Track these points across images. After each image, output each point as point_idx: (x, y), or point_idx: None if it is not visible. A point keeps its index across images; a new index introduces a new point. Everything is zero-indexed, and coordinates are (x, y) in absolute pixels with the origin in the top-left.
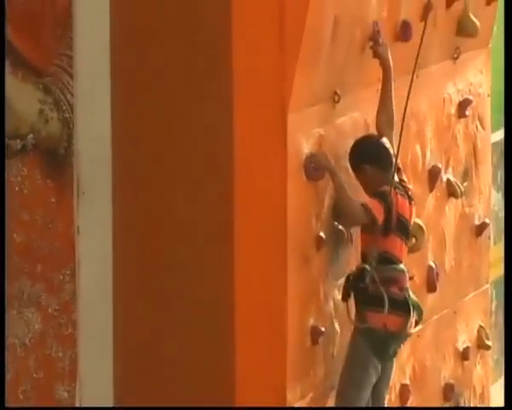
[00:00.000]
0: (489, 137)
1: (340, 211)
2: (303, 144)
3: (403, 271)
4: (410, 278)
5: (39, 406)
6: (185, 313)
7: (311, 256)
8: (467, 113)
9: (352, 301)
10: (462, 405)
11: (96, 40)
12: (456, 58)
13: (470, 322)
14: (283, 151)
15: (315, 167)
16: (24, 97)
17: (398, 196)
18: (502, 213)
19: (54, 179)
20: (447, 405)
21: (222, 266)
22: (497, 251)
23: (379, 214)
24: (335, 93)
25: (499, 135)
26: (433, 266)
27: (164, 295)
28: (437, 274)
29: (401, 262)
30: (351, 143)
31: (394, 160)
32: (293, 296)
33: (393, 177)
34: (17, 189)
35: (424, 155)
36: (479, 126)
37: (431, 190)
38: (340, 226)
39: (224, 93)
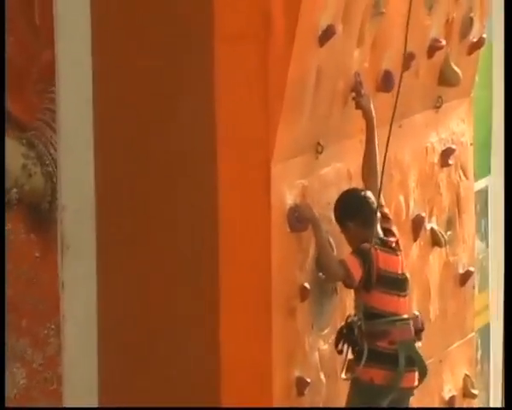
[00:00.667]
0: (472, 186)
1: (320, 266)
2: (286, 195)
3: (394, 324)
4: (419, 331)
5: None
6: (171, 378)
7: (295, 307)
8: (450, 162)
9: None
10: None
11: (78, 95)
12: (439, 107)
13: (456, 371)
14: (267, 202)
15: (298, 219)
16: (7, 152)
17: (379, 251)
18: (486, 262)
19: (38, 234)
20: None
21: (207, 319)
22: (481, 299)
23: (356, 272)
24: (318, 144)
25: (482, 183)
26: (418, 315)
27: (150, 350)
28: (422, 323)
29: (395, 315)
30: (334, 193)
31: (376, 211)
32: (278, 347)
33: (374, 233)
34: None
35: (408, 205)
36: (462, 175)
37: (415, 240)
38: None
39: (208, 144)
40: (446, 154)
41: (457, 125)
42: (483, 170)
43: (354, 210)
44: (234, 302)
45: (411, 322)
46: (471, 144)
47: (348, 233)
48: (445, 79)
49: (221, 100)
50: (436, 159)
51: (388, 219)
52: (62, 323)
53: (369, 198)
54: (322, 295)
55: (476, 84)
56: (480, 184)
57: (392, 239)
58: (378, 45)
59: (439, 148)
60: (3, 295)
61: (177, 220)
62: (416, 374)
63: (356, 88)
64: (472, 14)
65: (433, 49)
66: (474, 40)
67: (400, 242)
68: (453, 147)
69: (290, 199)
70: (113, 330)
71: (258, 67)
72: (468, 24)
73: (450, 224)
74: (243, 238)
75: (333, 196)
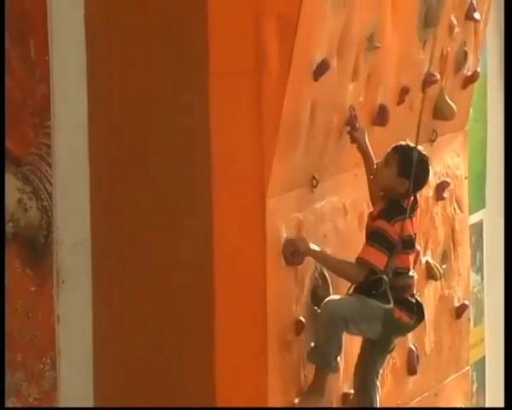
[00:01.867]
0: (467, 219)
1: (340, 276)
2: (282, 229)
3: (412, 277)
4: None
5: None
6: (168, 399)
7: (291, 341)
8: (444, 195)
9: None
10: None
11: (74, 129)
12: (433, 141)
13: (451, 404)
14: (262, 236)
15: (293, 253)
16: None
17: (397, 225)
18: (481, 295)
19: (33, 268)
20: None
21: (202, 354)
22: (477, 333)
23: (379, 261)
24: (314, 178)
25: (477, 217)
26: (414, 348)
27: (147, 385)
28: (417, 357)
29: (409, 271)
30: (330, 226)
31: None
32: (274, 381)
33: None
34: None
35: None
36: (456, 209)
37: None
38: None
39: (203, 178)
40: (441, 187)
41: (452, 159)
42: (478, 203)
43: (422, 177)
44: (229, 336)
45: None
46: (466, 178)
47: (389, 185)
48: (440, 112)
49: (216, 135)
50: (431, 192)
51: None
52: (58, 357)
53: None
54: None
55: (470, 117)
56: (475, 218)
57: (406, 202)
58: (373, 79)
59: (434, 181)
60: (3, 294)
61: (173, 255)
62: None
63: (351, 122)
64: (466, 48)
65: (426, 83)
66: (469, 74)
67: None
68: (448, 180)
69: (285, 232)
70: (109, 365)
71: (253, 103)
72: (462, 57)
73: (445, 257)
74: (238, 271)
75: (328, 229)
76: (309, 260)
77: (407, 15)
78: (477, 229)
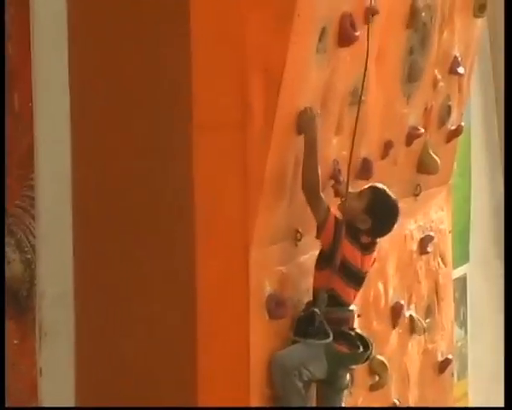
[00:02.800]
0: (451, 274)
1: (306, 180)
2: (265, 282)
3: (351, 311)
4: (358, 316)
5: None
6: None
7: (272, 393)
8: (428, 249)
9: None
10: None
11: (57, 182)
12: (417, 195)
13: None
14: (246, 289)
15: (277, 305)
16: None
17: (348, 243)
18: (465, 349)
19: (16, 321)
20: None
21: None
22: (461, 387)
23: (328, 233)
24: (298, 231)
25: (461, 271)
26: (397, 403)
27: None
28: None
29: (350, 305)
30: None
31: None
32: None
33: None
34: None
35: (387, 292)
36: (440, 263)
37: (394, 327)
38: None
39: (187, 230)
40: (425, 241)
41: (436, 213)
42: (462, 257)
43: (385, 219)
44: (212, 389)
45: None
46: (450, 232)
47: (353, 216)
48: (424, 166)
49: (200, 187)
50: (415, 246)
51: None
52: None
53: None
54: None
55: (454, 171)
56: (459, 272)
57: (365, 237)
58: (357, 133)
59: (418, 235)
60: (3, 289)
61: (156, 309)
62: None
63: (335, 175)
64: (450, 102)
65: (410, 137)
66: (453, 128)
67: (377, 247)
68: (432, 234)
69: (269, 286)
70: None
71: (238, 155)
72: (446, 112)
73: (429, 311)
74: (221, 325)
75: (311, 282)
76: (293, 313)
77: (391, 70)
78: (461, 283)
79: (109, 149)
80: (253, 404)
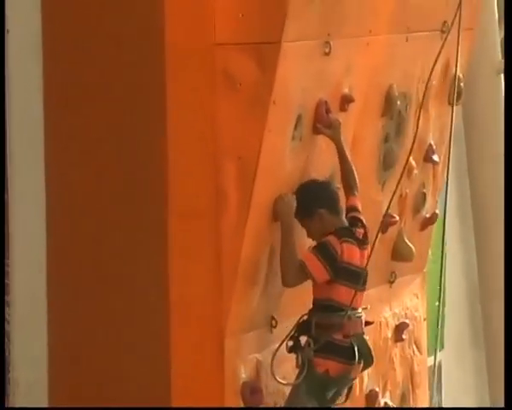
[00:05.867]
0: (425, 361)
1: (281, 265)
2: (240, 370)
3: (349, 317)
4: (368, 323)
5: None
6: None
7: None
8: (403, 336)
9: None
10: None
11: (31, 268)
12: (392, 282)
13: None
14: (221, 377)
15: (252, 392)
16: None
17: (344, 244)
18: None
19: None
20: None
21: None
22: None
23: (318, 273)
24: (273, 318)
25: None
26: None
27: None
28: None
29: (348, 309)
30: (289, 367)
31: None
32: None
33: (340, 221)
34: None
35: (362, 380)
36: (415, 350)
37: None
38: None
39: (162, 320)
40: (400, 328)
41: (411, 300)
42: (436, 345)
43: (325, 196)
44: None
45: (363, 315)
46: (424, 319)
47: (317, 223)
48: (399, 254)
49: (175, 276)
50: (390, 334)
51: (357, 210)
52: None
53: (332, 185)
54: None
55: (429, 258)
56: (434, 359)
57: (359, 230)
58: None
59: (393, 322)
60: (3, 291)
61: (131, 399)
62: (361, 365)
63: (320, 118)
64: (424, 190)
65: (385, 224)
66: (427, 215)
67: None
68: (407, 322)
69: (244, 373)
70: None
71: (212, 243)
72: (420, 199)
73: (403, 399)
74: None
75: (288, 370)
76: (267, 400)
77: (366, 157)
78: (436, 370)
79: (85, 237)
80: None
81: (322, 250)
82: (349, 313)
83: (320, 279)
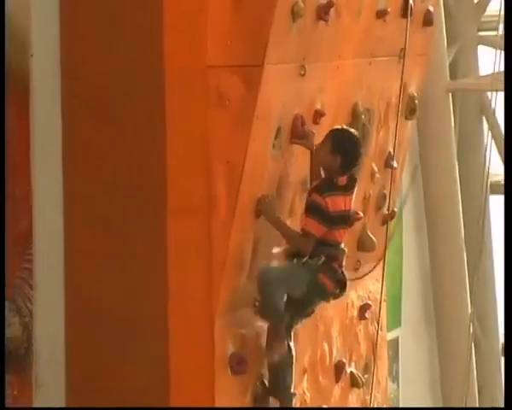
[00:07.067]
0: (385, 336)
1: (292, 245)
2: (228, 343)
3: (341, 249)
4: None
5: None
6: None
7: None
8: (366, 315)
9: None
10: None
11: (52, 257)
12: (357, 269)
13: None
14: (211, 350)
15: (238, 362)
16: None
17: (326, 198)
18: (397, 400)
19: (16, 375)
20: None
21: None
22: None
23: (318, 230)
24: (256, 299)
25: (394, 334)
26: None
27: None
28: None
29: (340, 244)
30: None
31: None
32: None
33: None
34: None
35: (331, 352)
36: (376, 327)
37: (337, 381)
38: None
39: (161, 303)
40: (363, 309)
41: (373, 285)
42: (394, 322)
43: (351, 149)
44: None
45: (346, 249)
46: (384, 301)
47: (330, 163)
48: (363, 245)
49: (173, 265)
50: (355, 313)
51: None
52: None
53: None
54: None
55: (389, 249)
56: (392, 334)
57: (342, 179)
58: None
59: (358, 303)
60: (3, 291)
61: (130, 376)
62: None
63: (295, 131)
64: (385, 191)
65: (352, 220)
66: (387, 213)
67: (356, 183)
68: (369, 303)
69: (231, 346)
70: None
71: (204, 235)
72: (381, 199)
73: (366, 368)
74: (190, 381)
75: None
76: (251, 369)
77: None
78: (394, 344)
79: (96, 230)
80: None
81: (313, 210)
82: (340, 247)
83: (320, 233)
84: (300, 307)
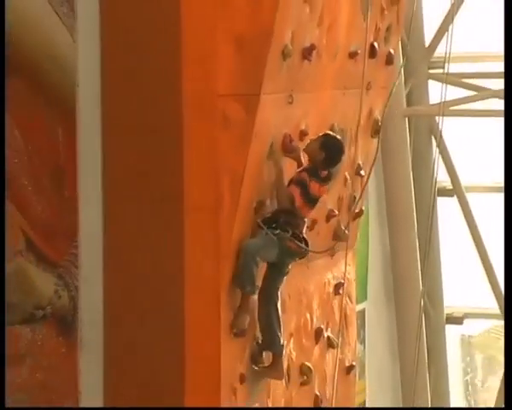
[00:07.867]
0: (354, 308)
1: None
2: (231, 314)
3: (304, 220)
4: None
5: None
6: None
7: (236, 388)
8: (340, 291)
9: None
10: None
11: (94, 244)
12: (333, 255)
13: None
14: (217, 317)
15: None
16: (44, 282)
17: (311, 182)
18: (363, 358)
19: (64, 337)
20: None
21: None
22: (360, 384)
23: (298, 198)
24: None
25: (361, 306)
26: (319, 394)
27: None
28: (321, 400)
29: (305, 218)
30: None
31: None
32: None
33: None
34: (39, 343)
35: (312, 320)
36: (348, 301)
37: (316, 343)
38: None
39: (179, 288)
40: (338, 286)
41: (345, 267)
42: (362, 297)
43: (336, 154)
44: (197, 384)
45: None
46: (354, 280)
47: (314, 158)
48: (337, 236)
49: (189, 253)
50: (331, 290)
51: (329, 173)
52: (79, 399)
53: (343, 156)
54: (254, 380)
55: (358, 239)
56: (360, 307)
57: (324, 172)
58: None
59: (333, 282)
60: (3, 291)
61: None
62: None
63: (286, 146)
64: (355, 194)
65: (329, 216)
66: (357, 211)
67: (332, 181)
68: (342, 282)
69: (233, 315)
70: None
71: (213, 230)
72: (352, 200)
73: (340, 333)
74: (202, 343)
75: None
76: (249, 333)
77: None
78: (361, 314)
79: (128, 223)
80: (223, 393)
81: (299, 184)
82: (305, 220)
83: (298, 203)
84: (278, 270)
